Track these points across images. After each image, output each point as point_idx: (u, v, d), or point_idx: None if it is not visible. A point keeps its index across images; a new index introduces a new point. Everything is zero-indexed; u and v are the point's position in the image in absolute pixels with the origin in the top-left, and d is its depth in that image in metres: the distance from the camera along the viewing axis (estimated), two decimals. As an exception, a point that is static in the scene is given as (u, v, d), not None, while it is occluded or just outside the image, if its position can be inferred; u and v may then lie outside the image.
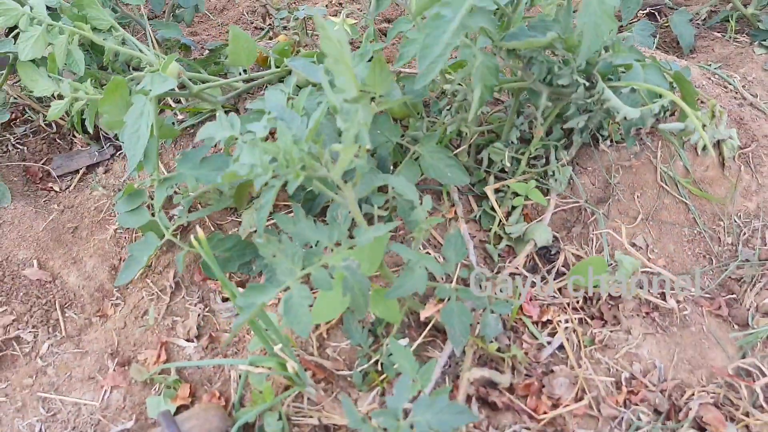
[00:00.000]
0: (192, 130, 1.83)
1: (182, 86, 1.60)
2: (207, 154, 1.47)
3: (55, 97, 1.53)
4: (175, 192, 1.59)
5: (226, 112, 1.81)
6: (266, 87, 1.86)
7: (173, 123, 1.83)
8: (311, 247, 1.18)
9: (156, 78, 1.37)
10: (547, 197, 1.64)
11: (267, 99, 1.31)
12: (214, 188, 1.62)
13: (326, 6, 2.26)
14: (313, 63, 1.53)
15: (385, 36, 1.92)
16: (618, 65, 1.42)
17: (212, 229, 1.65)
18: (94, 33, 1.53)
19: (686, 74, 1.44)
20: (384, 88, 1.25)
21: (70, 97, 1.49)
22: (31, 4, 1.44)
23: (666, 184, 1.66)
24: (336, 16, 1.67)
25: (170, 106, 1.82)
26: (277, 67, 1.72)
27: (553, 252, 1.61)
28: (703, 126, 1.54)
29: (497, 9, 1.36)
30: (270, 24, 2.14)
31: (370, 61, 1.46)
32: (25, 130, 1.93)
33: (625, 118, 1.31)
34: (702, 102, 1.78)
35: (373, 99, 1.28)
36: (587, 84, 1.37)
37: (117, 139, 1.88)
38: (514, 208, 1.64)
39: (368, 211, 1.49)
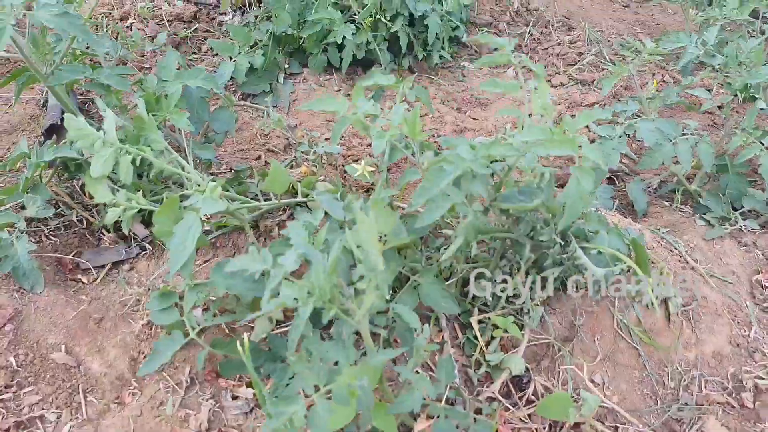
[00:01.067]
0: (214, 240, 2.07)
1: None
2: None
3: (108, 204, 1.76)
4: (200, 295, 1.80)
5: (251, 227, 2.06)
6: (286, 209, 2.13)
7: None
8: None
9: (207, 200, 1.63)
10: (522, 332, 1.90)
11: (292, 232, 1.55)
12: (233, 296, 1.83)
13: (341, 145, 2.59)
14: (336, 199, 1.81)
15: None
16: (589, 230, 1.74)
17: (226, 331, 1.85)
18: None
19: (641, 241, 1.76)
20: (389, 229, 1.52)
21: (125, 205, 1.72)
22: (105, 129, 1.70)
23: (621, 331, 1.94)
24: (357, 162, 1.97)
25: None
26: (304, 195, 1.99)
27: (525, 381, 1.85)
28: (653, 285, 1.85)
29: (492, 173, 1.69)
30: (295, 157, 2.44)
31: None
32: (58, 224, 2.12)
33: (594, 275, 1.61)
34: (653, 263, 2.11)
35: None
36: (562, 243, 1.68)
37: (144, 241, 2.09)
38: (493, 338, 1.89)
39: (371, 329, 1.72)
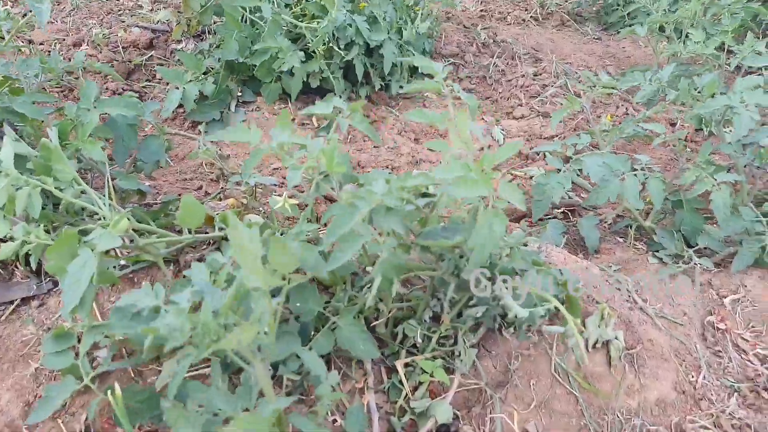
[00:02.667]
0: (132, 275, 1.95)
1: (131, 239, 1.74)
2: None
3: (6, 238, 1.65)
4: (105, 335, 1.68)
5: (166, 262, 1.96)
6: (213, 242, 2.02)
7: (115, 267, 1.94)
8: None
9: (104, 235, 1.52)
10: (452, 376, 1.78)
11: (193, 273, 1.45)
12: (147, 348, 1.71)
13: (278, 177, 2.49)
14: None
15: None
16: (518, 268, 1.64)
17: (132, 375, 1.72)
18: (57, 183, 1.69)
19: (574, 284, 1.66)
20: (287, 269, 1.40)
21: (21, 240, 1.61)
22: (1, 159, 1.60)
23: (559, 375, 1.82)
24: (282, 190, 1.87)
25: (115, 251, 1.95)
26: (221, 230, 1.89)
27: (452, 430, 1.72)
28: (591, 327, 1.75)
29: (416, 209, 1.59)
30: (222, 188, 2.35)
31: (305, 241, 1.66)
32: (-32, 257, 2.00)
33: (516, 316, 1.50)
34: (597, 303, 2.00)
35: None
36: (487, 283, 1.57)
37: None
38: (421, 383, 1.77)
39: (283, 373, 1.61)
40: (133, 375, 1.71)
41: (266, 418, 1.27)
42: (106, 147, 2.05)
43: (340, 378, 1.76)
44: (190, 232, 1.83)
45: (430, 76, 1.87)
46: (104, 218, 1.69)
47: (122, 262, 1.95)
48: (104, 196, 1.82)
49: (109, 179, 1.98)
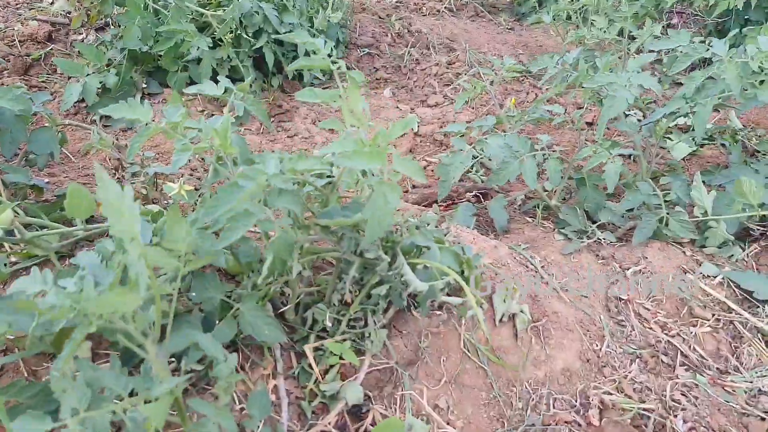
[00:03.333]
0: (23, 272, 1.85)
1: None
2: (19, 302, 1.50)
3: None
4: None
5: (60, 257, 1.87)
6: (107, 235, 1.94)
7: (5, 264, 1.83)
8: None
9: (-18, 227, 1.43)
10: (363, 357, 1.77)
11: (80, 259, 1.38)
12: (33, 334, 1.62)
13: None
14: (147, 221, 1.64)
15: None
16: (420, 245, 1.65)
17: (25, 373, 1.63)
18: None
19: (476, 261, 1.68)
20: (186, 246, 1.36)
21: None
22: None
23: (468, 351, 1.85)
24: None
25: (3, 248, 1.84)
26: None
27: (363, 410, 1.71)
28: (498, 301, 1.77)
29: (316, 189, 1.57)
30: (121, 176, 2.26)
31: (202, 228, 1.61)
32: None
33: (415, 290, 1.51)
34: (503, 280, 2.04)
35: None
36: (389, 259, 1.57)
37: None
38: (331, 366, 1.75)
39: (185, 364, 1.55)
40: (27, 373, 1.62)
41: (162, 399, 1.23)
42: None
43: (249, 366, 1.72)
44: (82, 223, 1.75)
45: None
46: (-14, 212, 1.59)
47: (12, 259, 1.85)
48: (-11, 189, 1.72)
49: (-6, 173, 1.87)
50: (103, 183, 1.06)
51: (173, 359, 1.62)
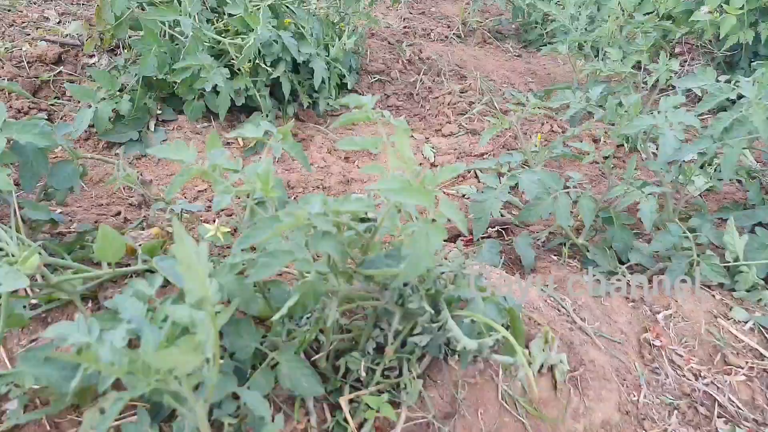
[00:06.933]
0: (45, 315, 1.76)
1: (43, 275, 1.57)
2: (52, 353, 1.42)
3: None
4: (15, 385, 1.50)
5: (84, 299, 1.79)
6: (131, 276, 1.86)
7: (24, 307, 1.75)
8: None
9: (10, 274, 1.35)
10: (399, 410, 1.70)
11: (120, 305, 1.31)
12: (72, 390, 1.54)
13: (202, 201, 2.35)
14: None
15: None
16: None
17: (48, 428, 1.54)
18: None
19: (518, 310, 1.62)
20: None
21: None
22: None
23: (506, 403, 1.78)
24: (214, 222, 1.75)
25: (25, 290, 1.76)
26: (145, 262, 1.74)
27: (400, 467, 1.64)
28: (536, 351, 1.71)
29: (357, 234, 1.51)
30: (145, 216, 2.18)
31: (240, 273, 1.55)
32: None
33: (464, 348, 1.44)
34: (538, 324, 1.98)
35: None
36: (432, 311, 1.51)
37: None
38: (366, 420, 1.68)
39: (219, 416, 1.48)
40: (49, 427, 1.54)
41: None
42: (11, 173, 1.86)
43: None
44: (109, 266, 1.67)
45: (357, 92, 1.83)
46: (12, 255, 1.51)
47: (33, 301, 1.76)
48: (10, 228, 1.65)
49: (16, 209, 1.79)
50: (180, 239, 0.99)
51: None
